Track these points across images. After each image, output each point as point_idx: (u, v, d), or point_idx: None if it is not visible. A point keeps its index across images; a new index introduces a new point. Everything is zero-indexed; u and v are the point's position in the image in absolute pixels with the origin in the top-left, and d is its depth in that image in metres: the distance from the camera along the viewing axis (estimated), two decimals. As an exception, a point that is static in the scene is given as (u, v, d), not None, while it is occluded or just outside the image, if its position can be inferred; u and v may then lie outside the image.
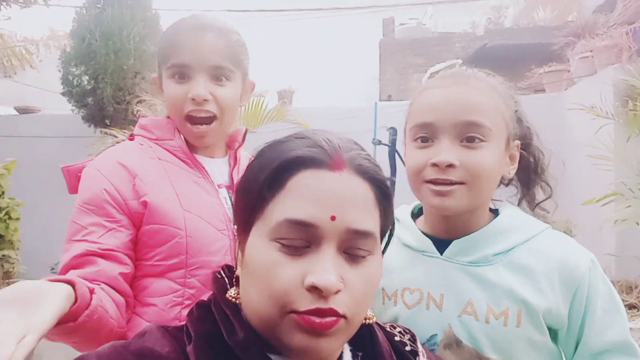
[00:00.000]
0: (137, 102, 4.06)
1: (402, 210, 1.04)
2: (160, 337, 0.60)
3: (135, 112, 4.07)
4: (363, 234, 0.57)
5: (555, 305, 0.84)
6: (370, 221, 0.58)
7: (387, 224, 0.64)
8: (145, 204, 1.02)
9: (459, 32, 8.55)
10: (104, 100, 4.53)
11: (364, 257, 0.58)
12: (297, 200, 0.56)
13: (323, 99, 6.73)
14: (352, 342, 0.68)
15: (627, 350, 0.85)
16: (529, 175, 0.98)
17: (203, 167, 1.11)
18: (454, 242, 0.90)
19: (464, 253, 0.89)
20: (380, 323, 0.75)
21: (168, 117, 1.16)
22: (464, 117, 0.84)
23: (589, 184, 3.74)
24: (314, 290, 0.54)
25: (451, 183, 0.84)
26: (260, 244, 0.58)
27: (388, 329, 0.75)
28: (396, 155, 3.83)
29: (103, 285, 0.91)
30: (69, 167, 1.15)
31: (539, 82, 4.91)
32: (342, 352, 0.66)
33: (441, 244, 0.92)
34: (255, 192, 0.60)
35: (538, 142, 0.98)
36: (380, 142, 3.82)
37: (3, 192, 3.90)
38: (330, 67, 8.59)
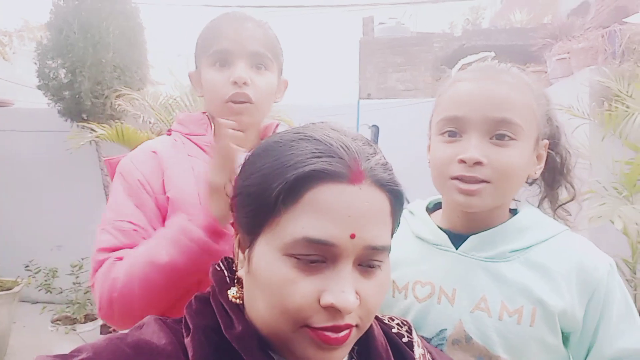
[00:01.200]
0: (117, 97, 3.98)
1: (416, 204, 1.04)
2: (158, 330, 0.60)
3: (115, 106, 4.00)
4: (380, 250, 0.57)
5: (570, 307, 0.83)
6: (386, 235, 0.59)
7: (394, 230, 0.64)
8: (168, 199, 1.05)
9: (438, 32, 8.63)
10: (82, 94, 4.43)
11: (377, 269, 0.59)
12: (315, 217, 0.54)
13: (304, 96, 6.73)
14: None
15: None
16: (554, 175, 0.97)
17: None
18: (471, 237, 0.90)
19: (480, 248, 0.89)
20: (378, 315, 0.76)
21: (204, 112, 1.19)
22: (495, 113, 0.82)
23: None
24: (331, 309, 0.53)
25: (477, 181, 0.82)
26: (272, 258, 0.56)
27: (386, 322, 0.76)
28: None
29: None
30: (110, 159, 1.19)
31: (517, 82, 4.97)
32: None
33: (457, 239, 0.91)
34: (266, 201, 0.56)
35: (566, 142, 0.96)
36: (362, 140, 3.85)
37: (-24, 187, 3.78)
38: (311, 64, 8.58)
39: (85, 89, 4.41)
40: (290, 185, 0.55)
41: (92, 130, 3.83)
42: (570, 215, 0.98)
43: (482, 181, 0.83)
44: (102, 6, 4.51)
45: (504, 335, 0.84)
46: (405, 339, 0.74)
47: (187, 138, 1.16)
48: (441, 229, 0.94)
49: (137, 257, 0.96)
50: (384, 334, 0.71)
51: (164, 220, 1.05)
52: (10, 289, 3.92)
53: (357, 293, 0.55)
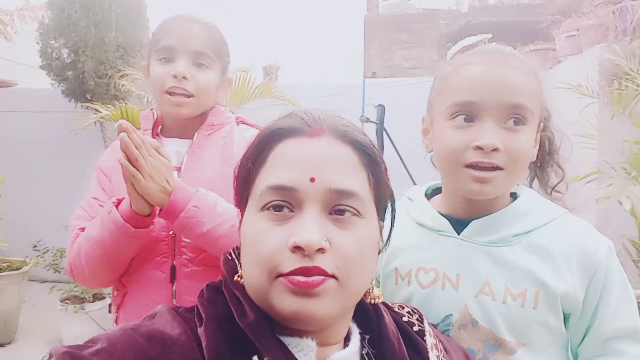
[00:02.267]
0: (120, 76, 3.96)
1: (414, 190, 1.04)
2: (171, 319, 0.60)
3: (119, 86, 3.97)
4: (346, 194, 0.57)
5: (572, 289, 0.85)
6: (353, 182, 0.59)
7: (381, 191, 0.64)
8: (112, 186, 1.27)
9: (443, 9, 8.50)
10: (85, 74, 4.40)
11: (352, 218, 0.58)
12: (277, 168, 0.59)
13: (308, 75, 6.67)
14: (359, 325, 0.68)
15: (638, 337, 0.86)
16: (543, 157, 0.97)
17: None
18: (473, 222, 0.90)
19: (482, 233, 0.89)
20: (388, 303, 0.75)
21: (151, 109, 1.35)
22: (510, 99, 0.81)
23: (574, 162, 3.80)
24: (298, 250, 0.54)
25: (492, 168, 0.82)
26: (251, 217, 0.60)
27: (396, 309, 0.76)
28: (384, 133, 3.84)
29: None
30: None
31: (524, 60, 4.91)
32: (350, 335, 0.66)
33: (458, 224, 0.91)
34: (243, 171, 0.63)
35: (550, 124, 0.97)
36: (368, 120, 3.81)
37: (-18, 169, 3.79)
38: (316, 43, 8.50)
39: (89, 69, 4.38)
40: (258, 148, 0.61)
41: (97, 110, 3.81)
42: (563, 194, 0.99)
43: (497, 168, 0.83)
44: (103, -16, 4.45)
45: (509, 318, 0.85)
46: (416, 328, 0.73)
47: (142, 132, 1.28)
48: (442, 214, 0.94)
49: (84, 233, 1.19)
50: (394, 323, 0.71)
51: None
52: (19, 269, 3.96)
53: (328, 239, 0.56)
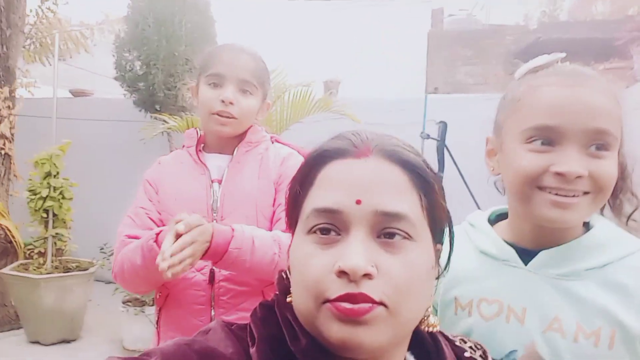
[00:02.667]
0: (188, 89, 4.10)
1: (477, 215, 0.99)
2: (224, 337, 0.59)
3: (186, 99, 4.12)
4: (394, 216, 0.55)
5: None
6: (402, 203, 0.56)
7: (436, 212, 0.60)
8: (160, 197, 1.42)
9: (511, 25, 8.27)
10: (155, 86, 4.61)
11: (402, 242, 0.55)
12: (323, 190, 0.57)
13: (369, 90, 6.65)
14: (417, 356, 0.65)
15: None
16: (616, 183, 0.87)
17: (205, 166, 1.42)
18: (543, 253, 0.85)
19: (552, 265, 0.84)
20: (449, 336, 0.71)
21: (195, 128, 1.50)
22: (594, 124, 0.77)
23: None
24: (344, 275, 0.52)
25: (576, 194, 0.77)
26: (299, 240, 0.59)
27: (457, 343, 0.71)
28: (444, 151, 3.76)
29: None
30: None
31: (598, 79, 4.68)
32: None
33: (524, 254, 0.87)
34: (292, 194, 0.63)
35: (623, 148, 0.89)
36: (428, 136, 3.75)
37: (57, 173, 4.03)
38: (377, 58, 8.49)
39: (159, 81, 4.59)
40: (305, 170, 0.61)
41: (164, 121, 3.97)
42: (638, 223, 0.90)
43: (580, 194, 0.78)
44: (175, 0, 4.65)
45: (580, 358, 0.79)
46: None
47: (186, 150, 1.47)
48: (507, 243, 0.89)
49: (129, 251, 1.30)
50: (455, 358, 0.67)
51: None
52: (86, 270, 4.17)
53: (377, 266, 0.53)
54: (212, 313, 1.32)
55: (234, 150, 1.43)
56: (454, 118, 3.98)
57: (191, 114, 4.03)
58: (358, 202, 0.55)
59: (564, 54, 0.86)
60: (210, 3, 5.11)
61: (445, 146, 3.70)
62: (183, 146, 1.50)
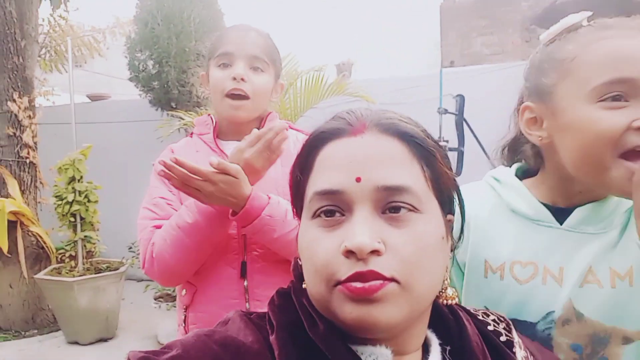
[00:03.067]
0: (201, 84, 4.11)
1: (502, 171, 0.94)
2: (244, 327, 0.59)
3: (199, 94, 4.14)
4: (397, 189, 0.54)
5: None
6: (403, 176, 0.55)
7: (441, 181, 0.59)
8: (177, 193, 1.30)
9: (526, -10, 8.04)
10: (169, 84, 4.65)
11: (408, 215, 0.54)
12: (323, 173, 0.57)
13: (383, 69, 6.58)
14: (439, 335, 0.63)
15: None
16: None
17: (225, 154, 1.32)
18: (578, 210, 0.82)
19: (588, 222, 0.82)
20: (470, 310, 0.69)
21: (209, 115, 1.43)
22: None
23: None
24: (351, 255, 0.52)
25: None
26: (304, 226, 0.59)
27: (481, 317, 0.69)
28: (464, 124, 3.69)
29: None
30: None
31: (619, 37, 4.52)
32: (428, 346, 0.62)
33: (557, 213, 0.84)
34: (294, 181, 0.62)
35: None
36: (446, 111, 3.68)
37: (81, 177, 4.10)
38: (389, 36, 8.36)
39: (172, 78, 4.62)
40: (304, 157, 0.60)
41: (180, 118, 4.00)
42: None
43: None
44: (182, -4, 4.66)
45: (618, 303, 0.78)
46: (503, 338, 0.66)
47: (199, 137, 1.39)
48: (540, 202, 0.86)
49: (168, 225, 1.22)
50: (479, 333, 0.64)
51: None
52: (117, 269, 4.26)
53: (384, 242, 0.52)
54: (247, 307, 1.26)
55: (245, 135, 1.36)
56: (471, 91, 3.90)
57: (206, 108, 4.05)
58: (358, 179, 0.54)
59: (590, 12, 0.80)
60: (218, -4, 5.10)
61: (465, 120, 3.63)
62: (192, 134, 1.43)
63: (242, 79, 1.28)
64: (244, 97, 1.29)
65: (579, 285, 0.81)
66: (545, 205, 0.86)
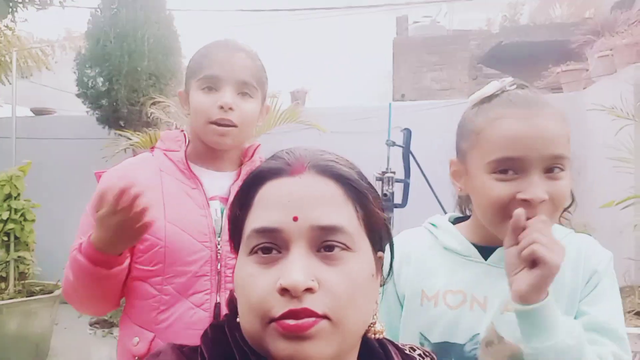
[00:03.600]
0: (151, 104, 4.06)
1: (437, 218, 1.10)
2: (175, 359, 0.59)
3: (149, 114, 4.08)
4: (331, 229, 0.56)
5: (574, 289, 0.94)
6: (338, 216, 0.57)
7: (372, 221, 0.61)
8: None
9: (474, 30, 8.44)
10: (118, 102, 4.56)
11: (341, 254, 0.56)
12: (261, 211, 0.58)
13: (336, 99, 6.70)
14: None
15: (615, 338, 0.90)
16: None
17: (198, 179, 1.21)
18: (500, 249, 0.95)
19: None
20: (398, 344, 0.71)
21: (181, 130, 1.29)
22: (551, 151, 0.86)
23: (609, 187, 3.66)
24: (286, 292, 0.53)
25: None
26: (241, 262, 0.59)
27: (407, 352, 0.72)
28: (410, 157, 3.79)
29: None
30: (100, 172, 1.28)
31: (556, 81, 4.83)
32: None
33: (483, 251, 0.98)
34: (233, 217, 0.63)
35: None
36: (394, 144, 3.77)
37: (19, 194, 3.92)
38: (343, 67, 8.55)
39: (122, 97, 4.53)
40: (243, 194, 0.61)
41: (128, 138, 3.92)
42: (572, 215, 1.04)
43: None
44: (137, 15, 4.62)
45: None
46: None
47: (164, 154, 1.24)
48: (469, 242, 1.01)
49: (65, 274, 1.15)
50: None
51: None
52: (52, 292, 4.06)
53: (318, 280, 0.54)
54: None
55: (227, 166, 1.26)
56: (419, 124, 4.03)
57: (155, 129, 3.99)
58: (295, 218, 0.55)
59: (511, 79, 0.94)
60: (174, 17, 5.08)
61: (411, 152, 3.73)
62: (153, 149, 1.29)
63: (231, 108, 1.17)
64: (232, 125, 1.19)
65: (500, 312, 0.93)
66: (473, 244, 1.00)
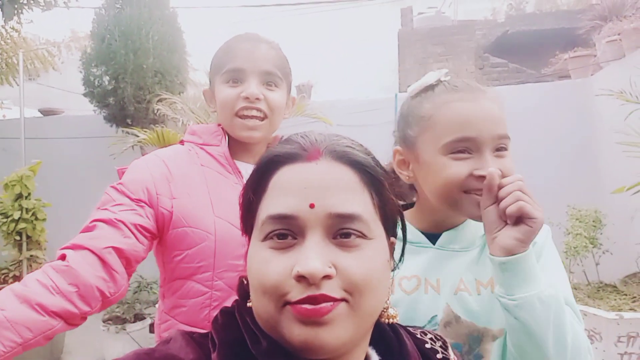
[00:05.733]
0: (158, 101, 4.08)
1: None
2: (185, 345, 0.59)
3: (155, 111, 4.09)
4: (348, 217, 0.56)
5: None
6: (354, 204, 0.57)
7: (387, 208, 0.62)
8: (174, 206, 1.12)
9: (480, 20, 8.39)
10: (125, 100, 4.57)
11: (357, 240, 0.56)
12: (277, 196, 0.57)
13: (342, 92, 6.69)
14: (379, 351, 0.65)
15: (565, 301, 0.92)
16: None
17: (240, 173, 1.20)
18: (446, 233, 1.03)
19: (454, 242, 1.02)
20: (410, 329, 0.72)
21: (218, 124, 1.26)
22: (499, 131, 0.92)
23: (619, 172, 3.62)
24: (303, 279, 0.53)
25: None
26: (255, 247, 0.59)
27: (419, 336, 0.73)
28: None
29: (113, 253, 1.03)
30: (122, 169, 1.24)
31: (564, 67, 4.78)
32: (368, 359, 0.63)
33: (430, 237, 1.04)
34: (246, 201, 0.62)
35: None
36: (401, 134, 3.76)
37: (29, 194, 3.96)
38: (349, 60, 8.52)
39: (128, 95, 4.55)
40: (257, 177, 0.61)
41: (135, 135, 3.93)
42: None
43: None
44: (141, 13, 4.63)
45: (484, 306, 0.96)
46: (439, 355, 0.70)
47: (201, 148, 1.22)
48: (416, 229, 1.05)
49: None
50: (417, 350, 0.68)
51: (160, 223, 1.12)
52: (65, 290, 4.09)
53: (334, 265, 0.54)
54: None
55: (257, 159, 1.22)
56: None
57: (162, 126, 4.00)
58: (312, 206, 0.55)
59: (446, 70, 1.00)
60: (177, 14, 5.08)
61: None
62: (182, 142, 1.27)
63: (257, 99, 1.16)
64: (260, 117, 1.18)
65: (454, 292, 0.98)
66: (421, 231, 1.04)
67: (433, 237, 1.04)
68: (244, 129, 1.18)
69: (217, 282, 1.12)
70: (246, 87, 1.16)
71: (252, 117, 1.17)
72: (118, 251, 1.03)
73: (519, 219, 0.84)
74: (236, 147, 1.24)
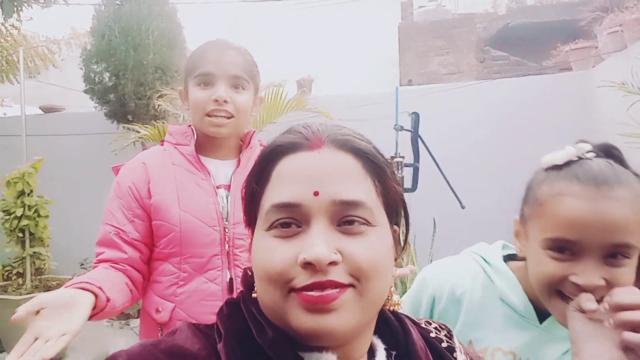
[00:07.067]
0: (158, 97, 4.07)
1: (491, 253, 1.04)
2: (191, 335, 0.59)
3: (156, 107, 4.09)
4: (352, 204, 0.56)
5: None
6: (358, 191, 0.57)
7: (390, 196, 0.62)
8: (153, 203, 1.31)
9: (480, 13, 8.36)
10: (126, 96, 4.57)
11: (361, 227, 0.57)
12: (280, 186, 0.58)
13: (343, 86, 6.67)
14: (384, 340, 0.66)
15: None
16: None
17: (207, 170, 1.35)
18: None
19: (561, 327, 0.88)
20: (414, 319, 0.73)
21: (189, 125, 1.41)
22: (614, 239, 0.79)
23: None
24: (309, 266, 0.53)
25: None
26: (259, 236, 0.59)
27: (423, 325, 0.73)
28: (419, 141, 3.77)
29: (127, 267, 1.28)
30: (117, 166, 1.43)
31: (565, 60, 4.76)
32: (374, 351, 0.64)
33: (538, 311, 0.94)
34: (249, 191, 0.63)
35: None
36: (402, 128, 3.75)
37: (32, 191, 3.97)
38: (349, 54, 8.51)
39: (129, 91, 4.54)
40: (260, 167, 0.61)
41: (136, 131, 3.94)
42: None
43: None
44: (140, 9, 4.61)
45: None
46: (444, 344, 0.70)
47: (175, 147, 1.38)
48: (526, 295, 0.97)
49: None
50: (422, 339, 0.68)
51: (150, 218, 1.32)
52: (68, 287, 4.10)
53: (340, 251, 0.54)
54: None
55: (229, 154, 1.40)
56: (427, 108, 4.00)
57: (163, 121, 4.00)
58: (316, 193, 0.55)
59: (590, 146, 0.85)
60: (177, 9, 5.07)
61: (419, 136, 3.71)
62: (162, 142, 1.42)
63: (225, 101, 1.30)
64: (227, 116, 1.32)
65: None
66: (531, 301, 0.95)
67: (539, 312, 0.95)
68: (212, 125, 1.32)
69: (184, 265, 1.30)
70: (215, 90, 1.31)
71: (220, 116, 1.31)
72: (143, 260, 1.34)
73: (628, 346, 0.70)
74: (206, 144, 1.38)
